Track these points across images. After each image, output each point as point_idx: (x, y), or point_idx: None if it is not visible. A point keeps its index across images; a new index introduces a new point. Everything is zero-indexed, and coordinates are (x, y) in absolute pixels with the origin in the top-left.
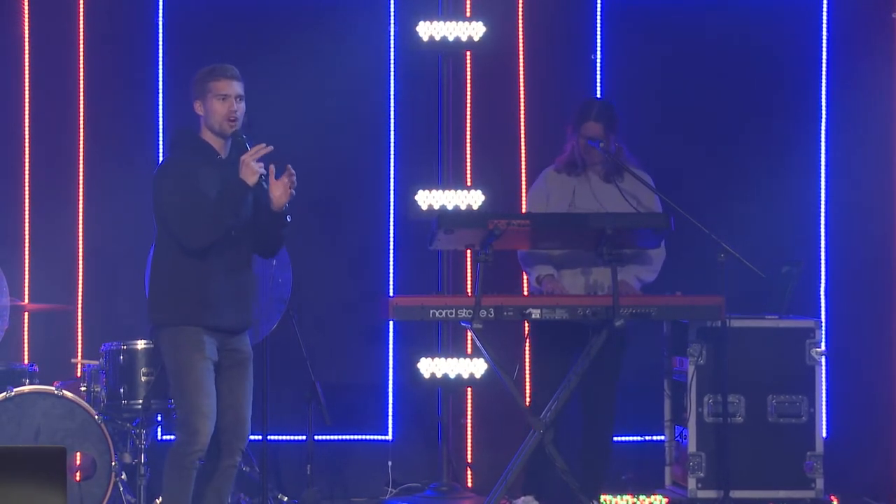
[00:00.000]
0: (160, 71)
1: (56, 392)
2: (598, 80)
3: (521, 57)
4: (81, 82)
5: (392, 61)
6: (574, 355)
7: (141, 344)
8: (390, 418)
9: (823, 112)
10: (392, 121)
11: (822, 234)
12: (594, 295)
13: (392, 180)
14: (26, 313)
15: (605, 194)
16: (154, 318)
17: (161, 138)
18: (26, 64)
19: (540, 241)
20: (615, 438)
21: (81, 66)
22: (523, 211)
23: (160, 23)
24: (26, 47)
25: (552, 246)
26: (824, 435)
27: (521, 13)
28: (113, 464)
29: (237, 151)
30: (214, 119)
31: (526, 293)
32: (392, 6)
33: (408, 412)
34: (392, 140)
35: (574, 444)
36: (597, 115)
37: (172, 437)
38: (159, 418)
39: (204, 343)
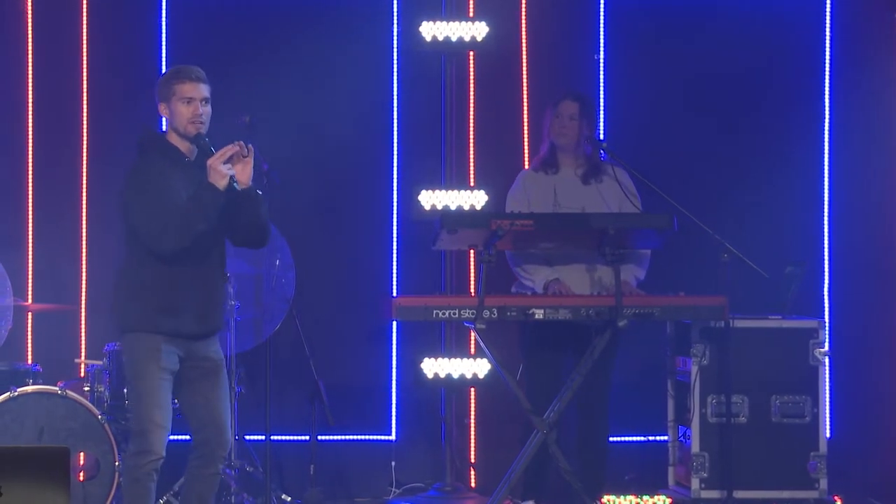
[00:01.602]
0: (163, 70)
1: (59, 392)
2: (602, 80)
3: (524, 57)
4: (85, 82)
5: (395, 61)
6: (566, 353)
7: None
8: (394, 418)
9: (826, 112)
10: (395, 121)
11: (826, 234)
12: (598, 294)
13: (395, 180)
14: (30, 313)
15: (589, 192)
16: (116, 323)
17: None
18: (29, 64)
19: (542, 241)
20: (619, 439)
21: (85, 66)
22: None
23: (163, 23)
24: (29, 47)
25: (553, 246)
26: (828, 435)
27: (524, 13)
28: (116, 464)
29: (204, 153)
30: (179, 122)
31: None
32: (395, 6)
33: (411, 412)
34: (395, 140)
35: (569, 444)
36: (574, 96)
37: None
38: None
39: (160, 352)
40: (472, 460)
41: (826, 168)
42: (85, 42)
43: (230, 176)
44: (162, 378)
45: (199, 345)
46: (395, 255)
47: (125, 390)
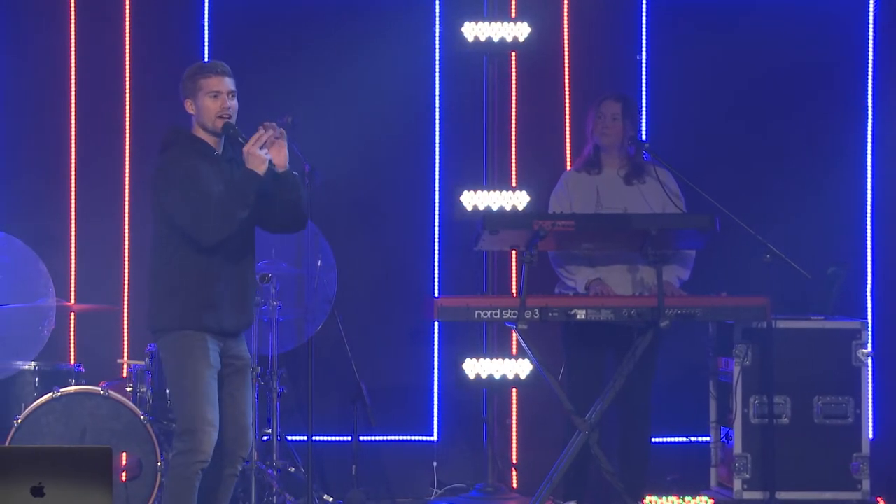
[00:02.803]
0: None
1: (102, 392)
2: (644, 81)
3: (566, 57)
4: (127, 83)
5: (437, 62)
6: (607, 353)
7: None
8: (435, 419)
9: (869, 111)
10: (437, 121)
11: (869, 234)
12: (640, 295)
13: (437, 181)
14: (72, 314)
15: (631, 192)
16: (155, 323)
17: None
18: (72, 64)
19: (584, 241)
20: (661, 440)
21: (127, 67)
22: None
23: (206, 24)
24: (72, 48)
25: (594, 247)
26: (871, 436)
27: (566, 13)
28: (159, 464)
29: (232, 147)
30: (207, 116)
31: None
32: (437, 7)
33: (453, 413)
34: (437, 141)
35: (610, 444)
36: (617, 96)
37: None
38: None
39: (208, 350)
40: (514, 461)
41: (869, 167)
42: (128, 43)
43: (268, 160)
44: (211, 376)
45: (234, 342)
46: (436, 256)
47: (167, 390)
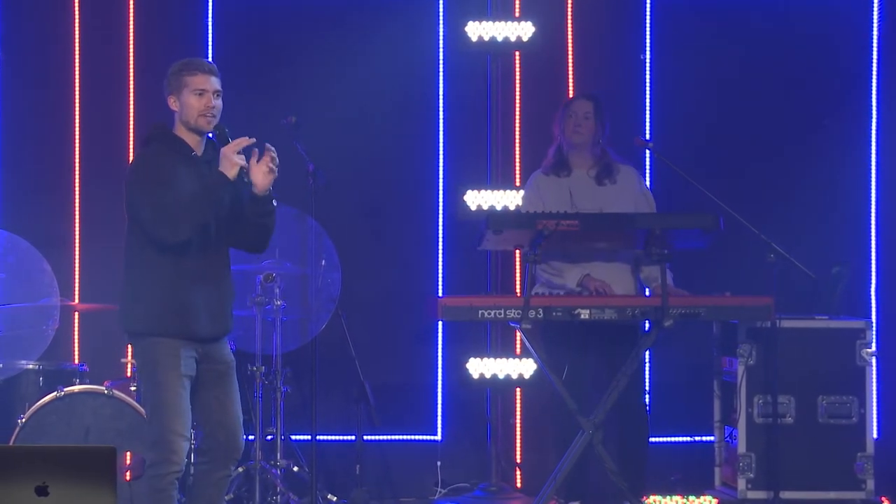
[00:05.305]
0: None
1: (106, 392)
2: (648, 80)
3: (569, 57)
4: (131, 84)
5: (441, 61)
6: (589, 353)
7: None
8: (439, 418)
9: (874, 110)
10: (441, 121)
11: (873, 233)
12: (633, 296)
13: (441, 180)
14: (76, 313)
15: (604, 192)
16: (128, 328)
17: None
18: (76, 66)
19: (587, 241)
20: (665, 439)
21: (131, 68)
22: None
23: (210, 22)
24: (76, 50)
25: (597, 246)
26: (875, 436)
27: (569, 13)
28: None
29: (213, 150)
30: (190, 115)
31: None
32: (441, 6)
33: (457, 412)
34: (441, 140)
35: (608, 445)
36: (588, 95)
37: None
38: None
39: (180, 358)
40: (518, 460)
41: (873, 167)
42: (132, 44)
43: (241, 167)
44: (182, 386)
45: (214, 347)
46: (440, 256)
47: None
